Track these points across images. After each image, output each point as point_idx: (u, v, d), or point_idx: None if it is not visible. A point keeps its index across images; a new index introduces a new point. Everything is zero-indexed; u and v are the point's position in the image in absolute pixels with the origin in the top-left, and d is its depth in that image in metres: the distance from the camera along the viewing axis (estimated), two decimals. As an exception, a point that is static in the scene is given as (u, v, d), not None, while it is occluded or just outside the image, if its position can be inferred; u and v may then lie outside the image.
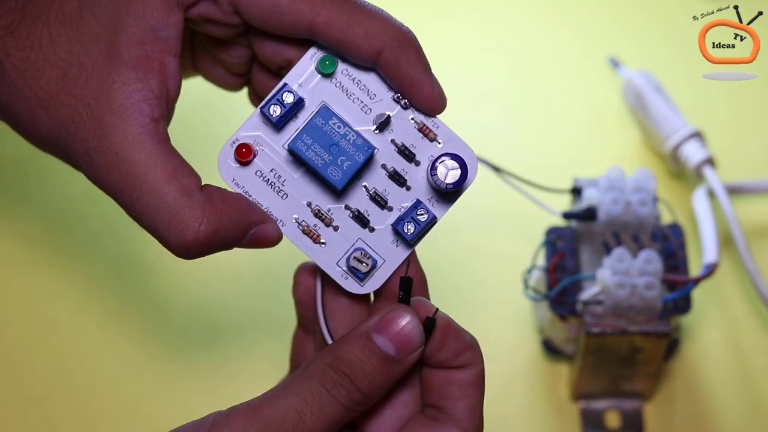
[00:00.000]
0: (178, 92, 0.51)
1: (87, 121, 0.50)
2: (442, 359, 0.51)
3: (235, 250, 0.52)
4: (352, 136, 0.51)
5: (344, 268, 0.52)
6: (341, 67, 0.52)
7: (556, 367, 0.73)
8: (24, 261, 0.77)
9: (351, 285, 0.52)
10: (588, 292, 0.66)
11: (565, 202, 0.71)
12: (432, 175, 0.50)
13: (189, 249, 0.50)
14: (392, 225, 0.52)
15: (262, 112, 0.51)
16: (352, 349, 0.50)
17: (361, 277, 0.52)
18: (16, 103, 0.51)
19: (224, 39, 0.54)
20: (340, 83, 0.52)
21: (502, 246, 0.77)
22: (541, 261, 0.69)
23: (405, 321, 0.50)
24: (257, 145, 0.52)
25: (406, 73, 0.51)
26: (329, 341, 0.53)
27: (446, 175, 0.50)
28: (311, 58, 0.52)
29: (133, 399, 0.73)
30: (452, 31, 0.87)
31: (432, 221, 0.52)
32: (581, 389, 0.71)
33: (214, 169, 0.52)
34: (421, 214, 0.51)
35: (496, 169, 0.70)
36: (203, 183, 0.51)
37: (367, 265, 0.52)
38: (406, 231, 0.51)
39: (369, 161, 0.52)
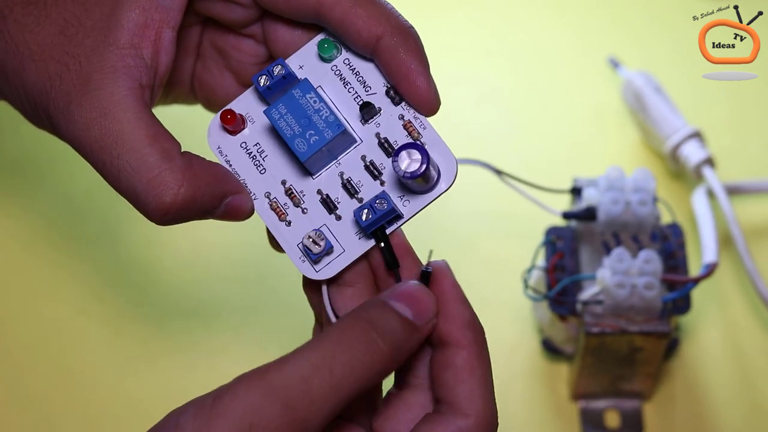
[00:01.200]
0: (167, 69, 0.51)
1: (74, 77, 0.50)
2: (441, 333, 0.50)
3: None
4: (326, 112, 0.51)
5: (302, 250, 0.52)
6: (343, 56, 0.52)
7: (555, 366, 0.73)
8: (24, 261, 0.77)
9: (306, 269, 0.52)
10: (588, 292, 0.66)
11: (564, 202, 0.71)
12: (393, 161, 0.49)
13: (167, 212, 0.49)
14: (354, 212, 0.51)
15: (253, 79, 0.52)
16: (372, 310, 0.48)
17: (314, 258, 0.51)
18: (9, 58, 0.51)
19: (235, 26, 0.54)
20: (339, 71, 0.52)
21: (501, 246, 0.77)
22: (541, 261, 0.69)
23: (416, 287, 0.49)
24: (248, 118, 0.53)
25: (404, 62, 0.50)
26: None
27: (408, 164, 0.49)
28: (316, 44, 0.52)
29: (134, 399, 0.73)
30: (452, 31, 0.87)
31: (391, 213, 0.51)
32: (581, 389, 0.71)
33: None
34: (380, 203, 0.50)
35: (498, 172, 0.70)
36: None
37: (320, 247, 0.51)
38: (362, 217, 0.50)
39: (343, 144, 0.51)
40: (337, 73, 0.52)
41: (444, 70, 0.85)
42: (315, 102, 0.51)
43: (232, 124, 0.52)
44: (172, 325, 0.75)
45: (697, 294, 0.68)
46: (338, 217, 0.52)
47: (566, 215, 0.69)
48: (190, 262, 0.77)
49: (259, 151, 0.53)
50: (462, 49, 0.86)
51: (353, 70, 0.52)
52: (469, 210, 0.78)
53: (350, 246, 0.52)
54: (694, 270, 0.69)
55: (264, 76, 0.51)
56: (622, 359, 0.67)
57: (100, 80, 0.49)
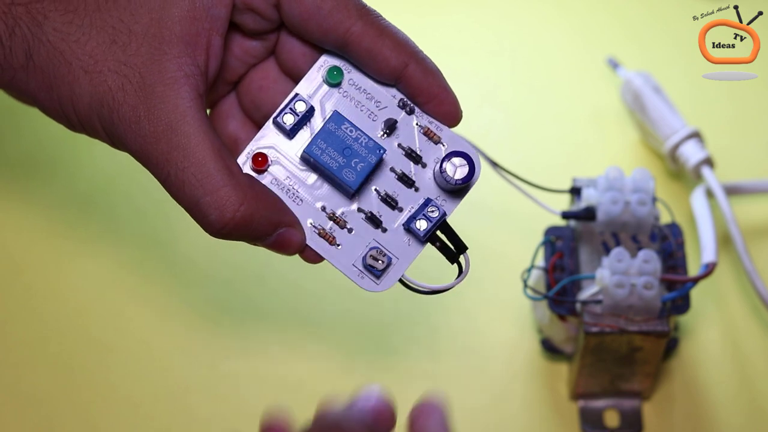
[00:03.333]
0: (216, 75, 0.52)
1: (137, 89, 0.50)
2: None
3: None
4: (364, 139, 0.53)
5: (360, 268, 0.54)
6: (347, 77, 0.54)
7: (555, 366, 0.73)
8: (25, 260, 0.77)
9: (367, 284, 0.54)
10: (587, 292, 0.67)
11: (564, 202, 0.71)
12: (441, 173, 0.52)
13: (224, 226, 0.50)
14: (404, 224, 0.54)
15: (275, 121, 0.53)
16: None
17: (378, 274, 0.54)
18: (56, 68, 0.50)
19: (254, 33, 0.54)
20: (347, 92, 0.54)
21: (501, 245, 0.77)
22: (540, 261, 0.69)
23: (378, 399, 0.50)
24: (272, 153, 0.54)
25: (432, 84, 0.53)
26: None
27: (455, 172, 0.52)
28: (319, 69, 0.54)
29: (135, 399, 0.73)
30: (450, 30, 0.87)
31: (443, 217, 0.53)
32: (580, 388, 0.71)
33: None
34: (432, 211, 0.53)
35: (494, 164, 0.70)
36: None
37: (383, 262, 0.53)
38: (418, 228, 0.53)
39: (380, 163, 0.53)
40: (346, 95, 0.54)
41: (443, 70, 0.85)
42: (351, 131, 0.53)
43: (264, 165, 0.53)
44: (173, 325, 0.75)
45: (696, 294, 0.68)
46: (384, 230, 0.54)
47: (565, 215, 0.69)
48: (191, 263, 0.77)
49: (291, 183, 0.54)
50: (461, 48, 0.86)
51: (360, 89, 0.54)
52: (469, 210, 0.78)
53: (403, 253, 0.54)
54: (693, 270, 0.70)
55: (287, 115, 0.53)
56: (622, 359, 0.67)
57: (163, 92, 0.50)
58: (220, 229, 0.50)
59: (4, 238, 0.78)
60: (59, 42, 0.50)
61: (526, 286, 0.68)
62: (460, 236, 0.53)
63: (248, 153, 0.54)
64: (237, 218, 0.50)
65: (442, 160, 0.52)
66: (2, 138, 0.81)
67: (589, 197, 0.68)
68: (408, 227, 0.53)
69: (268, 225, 0.52)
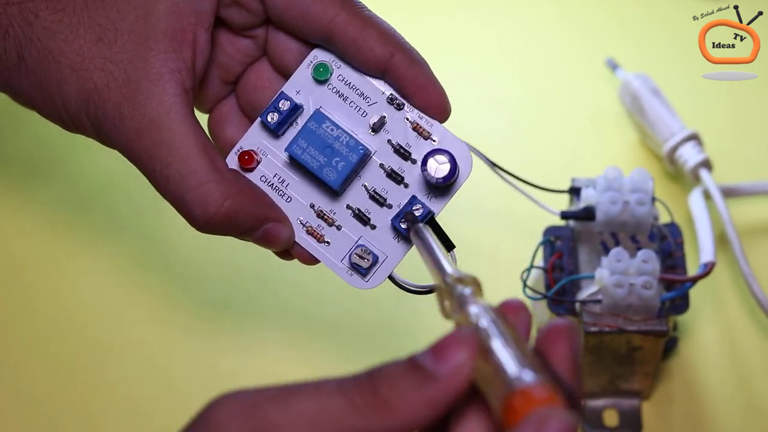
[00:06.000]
0: (203, 70, 0.52)
1: (122, 86, 0.50)
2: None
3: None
4: (345, 137, 0.53)
5: (347, 265, 0.54)
6: (336, 72, 0.54)
7: (554, 366, 0.73)
8: (26, 258, 0.77)
9: (356, 281, 0.54)
10: (586, 292, 0.67)
11: (563, 202, 0.71)
12: (423, 170, 0.52)
13: (208, 221, 0.51)
14: (391, 220, 0.54)
15: (262, 121, 0.54)
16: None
17: (363, 272, 0.54)
18: (45, 67, 0.51)
19: (240, 28, 0.54)
20: (336, 88, 0.54)
21: (500, 245, 0.77)
22: (540, 260, 0.69)
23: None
24: (260, 152, 0.54)
25: (419, 75, 0.52)
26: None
27: (436, 170, 0.52)
28: (308, 66, 0.54)
29: (135, 399, 0.73)
30: (450, 32, 0.87)
31: (428, 215, 0.53)
32: (579, 388, 0.71)
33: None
34: (417, 209, 0.53)
35: (492, 164, 0.70)
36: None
37: (368, 260, 0.53)
38: (402, 226, 0.53)
39: (364, 161, 0.53)
40: (335, 91, 0.54)
41: (443, 71, 0.85)
42: (332, 130, 0.53)
43: (251, 164, 0.54)
44: (173, 325, 0.75)
45: (695, 294, 0.69)
46: (373, 227, 0.54)
47: (564, 215, 0.69)
48: (191, 263, 0.77)
49: (280, 181, 0.54)
50: (460, 50, 0.86)
51: (349, 84, 0.54)
52: (468, 210, 0.78)
53: (391, 251, 0.54)
54: (692, 270, 0.70)
55: (272, 113, 0.53)
56: (621, 358, 0.68)
57: (148, 88, 0.50)
58: (204, 224, 0.51)
59: (5, 237, 0.78)
60: (48, 41, 0.51)
61: (525, 285, 0.68)
62: (447, 235, 0.53)
63: (236, 151, 0.54)
64: (221, 213, 0.51)
65: (425, 157, 0.52)
66: (2, 138, 0.81)
67: (588, 197, 0.69)
68: (394, 226, 0.53)
69: (253, 220, 0.52)
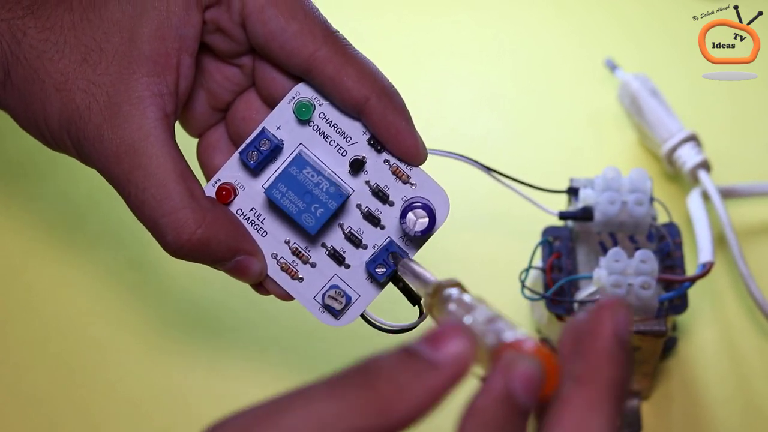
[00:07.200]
0: (186, 95, 0.52)
1: (104, 108, 0.50)
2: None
3: None
4: (326, 184, 0.52)
5: (321, 303, 0.54)
6: (318, 110, 0.53)
7: (552, 366, 0.73)
8: (25, 262, 0.77)
9: (327, 319, 0.55)
10: (584, 292, 0.67)
11: (561, 203, 0.71)
12: (402, 223, 0.53)
13: (180, 247, 0.51)
14: (365, 265, 0.54)
15: (240, 158, 0.53)
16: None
17: (336, 313, 0.54)
18: (29, 85, 0.51)
19: (226, 56, 0.54)
20: (317, 126, 0.53)
21: (499, 246, 0.77)
22: (538, 261, 0.69)
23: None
24: (238, 186, 0.54)
25: (393, 122, 0.52)
26: None
27: (415, 223, 0.53)
28: (290, 101, 0.53)
29: (135, 399, 0.73)
30: (449, 32, 0.87)
31: (392, 274, 0.54)
32: (578, 388, 0.71)
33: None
34: (391, 257, 0.54)
35: (489, 170, 0.70)
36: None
37: (341, 302, 0.54)
38: (377, 272, 0.54)
39: (343, 205, 0.53)
40: (316, 129, 0.54)
41: (440, 72, 0.86)
42: (313, 176, 0.52)
43: (228, 199, 0.54)
44: (173, 326, 0.75)
45: (694, 294, 0.69)
46: (347, 267, 0.54)
47: (563, 215, 0.69)
48: (190, 265, 0.76)
49: (256, 215, 0.54)
50: (459, 51, 0.86)
51: (330, 123, 0.53)
52: (466, 211, 0.78)
53: (364, 290, 0.55)
54: (690, 270, 0.70)
55: (252, 152, 0.53)
56: (620, 358, 0.68)
57: (128, 111, 0.50)
58: (176, 249, 0.51)
59: (5, 238, 0.78)
60: (35, 60, 0.51)
61: (523, 286, 0.68)
62: (413, 289, 0.53)
63: (213, 183, 0.54)
64: (193, 240, 0.51)
65: (404, 209, 0.53)
66: (2, 138, 0.81)
67: (586, 197, 0.69)
68: (368, 271, 0.54)
69: (226, 250, 0.52)
